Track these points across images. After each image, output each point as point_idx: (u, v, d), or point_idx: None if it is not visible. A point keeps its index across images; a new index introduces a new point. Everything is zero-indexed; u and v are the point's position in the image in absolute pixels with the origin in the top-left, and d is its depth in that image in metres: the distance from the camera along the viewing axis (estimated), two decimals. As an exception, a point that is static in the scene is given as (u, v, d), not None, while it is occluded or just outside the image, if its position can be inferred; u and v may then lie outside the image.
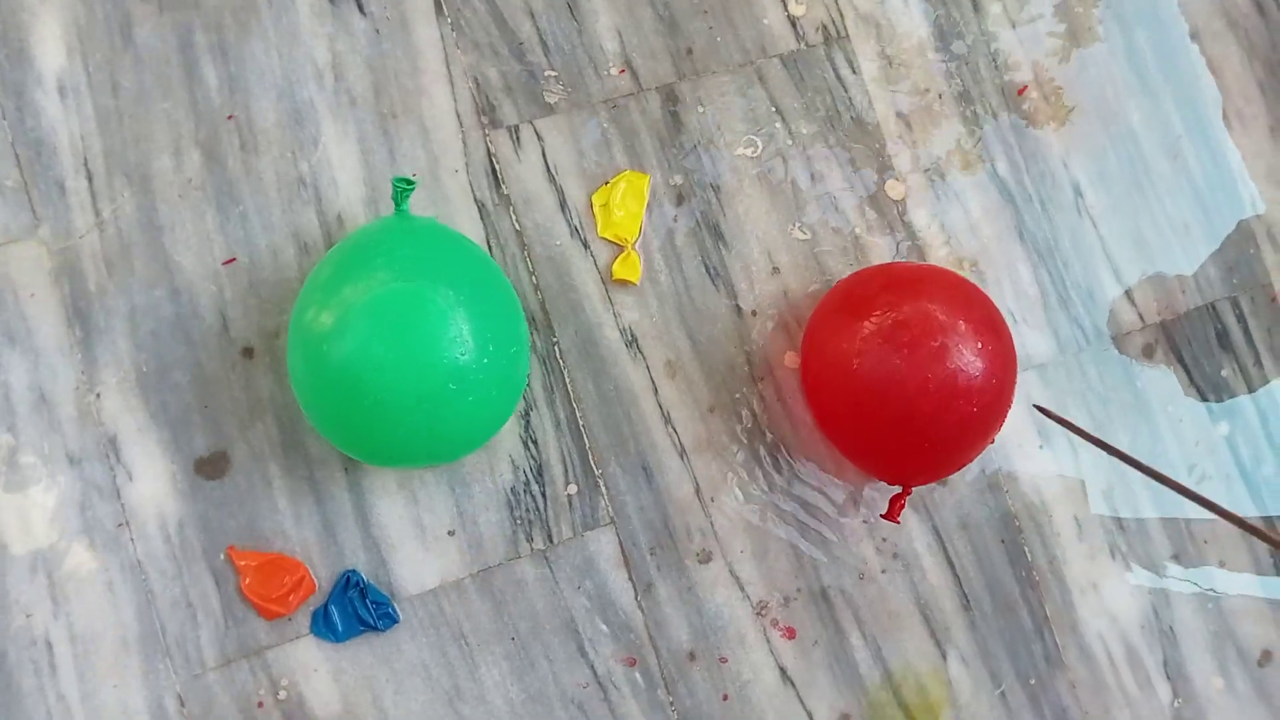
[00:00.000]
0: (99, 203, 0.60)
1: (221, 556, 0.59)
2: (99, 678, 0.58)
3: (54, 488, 0.58)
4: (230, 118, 0.62)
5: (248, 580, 0.59)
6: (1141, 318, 0.72)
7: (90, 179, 0.60)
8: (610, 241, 0.65)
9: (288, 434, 0.61)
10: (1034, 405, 0.66)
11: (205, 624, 0.59)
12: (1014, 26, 0.72)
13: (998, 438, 0.68)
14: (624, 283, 0.65)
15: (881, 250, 0.68)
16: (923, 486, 0.66)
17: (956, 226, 0.70)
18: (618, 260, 0.65)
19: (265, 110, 0.63)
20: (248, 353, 0.61)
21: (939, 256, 0.69)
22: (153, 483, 0.59)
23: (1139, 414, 0.71)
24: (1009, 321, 0.70)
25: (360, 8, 0.65)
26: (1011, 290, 0.70)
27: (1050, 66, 0.72)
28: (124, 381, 0.59)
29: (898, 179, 0.69)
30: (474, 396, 0.54)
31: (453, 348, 0.53)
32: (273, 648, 0.59)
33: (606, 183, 0.66)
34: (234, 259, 0.61)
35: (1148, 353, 0.72)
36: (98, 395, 0.59)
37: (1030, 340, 0.70)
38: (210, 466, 0.60)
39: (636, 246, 0.66)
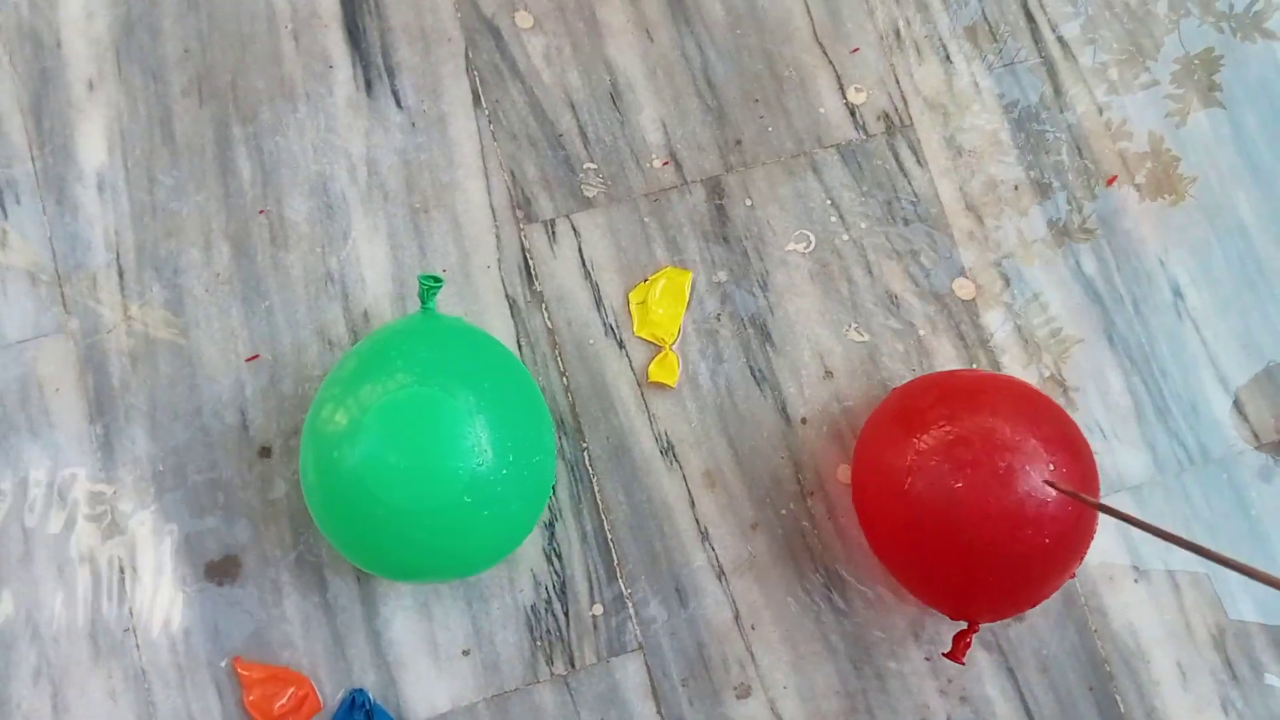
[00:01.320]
0: (128, 297, 0.60)
1: (225, 665, 0.56)
2: (94, 793, 0.55)
3: (63, 588, 0.56)
4: (262, 212, 0.61)
5: (251, 695, 0.56)
6: (1256, 434, 0.63)
7: (121, 274, 0.60)
8: (647, 341, 0.61)
9: (301, 539, 0.58)
10: (1045, 480, 0.56)
11: (206, 740, 0.56)
12: (1101, 113, 0.66)
13: (1081, 570, 0.60)
14: (660, 385, 0.60)
15: (949, 355, 0.62)
16: (993, 623, 0.59)
17: (1035, 330, 0.63)
18: (654, 361, 0.61)
19: (297, 204, 0.62)
20: (265, 452, 0.59)
21: (1014, 363, 0.62)
22: (162, 586, 0.57)
23: (1255, 544, 0.61)
24: (1096, 437, 0.62)
25: (397, 100, 0.64)
26: (1100, 401, 0.63)
27: (1144, 151, 0.66)
28: (140, 480, 0.58)
29: (967, 277, 0.63)
30: (490, 510, 0.50)
31: (470, 457, 0.49)
32: (273, 769, 0.56)
33: (645, 280, 0.62)
34: (257, 355, 0.60)
35: (1264, 475, 0.63)
36: (114, 493, 0.58)
37: (1123, 458, 0.62)
38: (221, 570, 0.57)
39: (675, 347, 0.61)
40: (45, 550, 0.56)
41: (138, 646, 0.56)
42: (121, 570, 0.56)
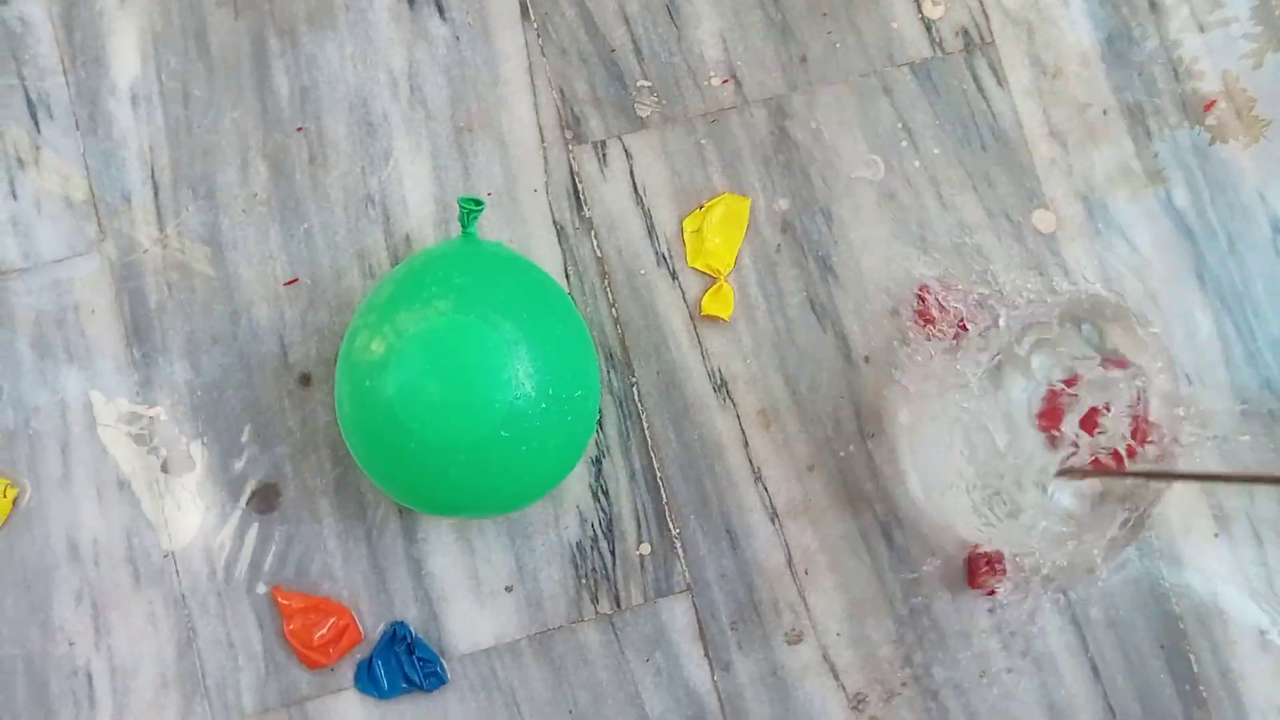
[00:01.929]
0: (164, 217, 0.58)
1: (264, 594, 0.55)
2: (136, 716, 0.55)
3: (103, 514, 0.55)
4: (300, 129, 0.59)
5: (291, 625, 0.55)
6: (1355, 382, 0.58)
7: (156, 191, 0.58)
8: (701, 272, 0.58)
9: (341, 469, 0.56)
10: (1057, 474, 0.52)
11: (246, 668, 0.55)
12: (1201, 30, 0.60)
13: (1156, 521, 0.57)
14: (714, 319, 0.57)
15: (1026, 293, 0.58)
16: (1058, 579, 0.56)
17: (1120, 265, 0.59)
18: (708, 293, 0.58)
19: (336, 122, 0.59)
20: (305, 380, 0.57)
21: (1097, 299, 0.58)
22: (201, 513, 0.56)
23: (1347, 500, 0.58)
24: (1180, 382, 0.58)
25: (441, 12, 0.60)
26: (1185, 343, 0.58)
27: (1244, 76, 0.60)
28: (178, 406, 0.56)
29: (1048, 208, 0.59)
30: (529, 446, 0.48)
31: (507, 390, 0.46)
32: (314, 699, 0.55)
33: (701, 207, 0.58)
34: (296, 280, 0.57)
35: (1362, 426, 0.58)
36: (152, 419, 0.56)
37: (1207, 404, 0.58)
38: (260, 499, 0.56)
39: (731, 279, 0.58)
40: (84, 473, 0.55)
41: (177, 573, 0.55)
42: (161, 495, 0.56)
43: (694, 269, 0.58)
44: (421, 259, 0.51)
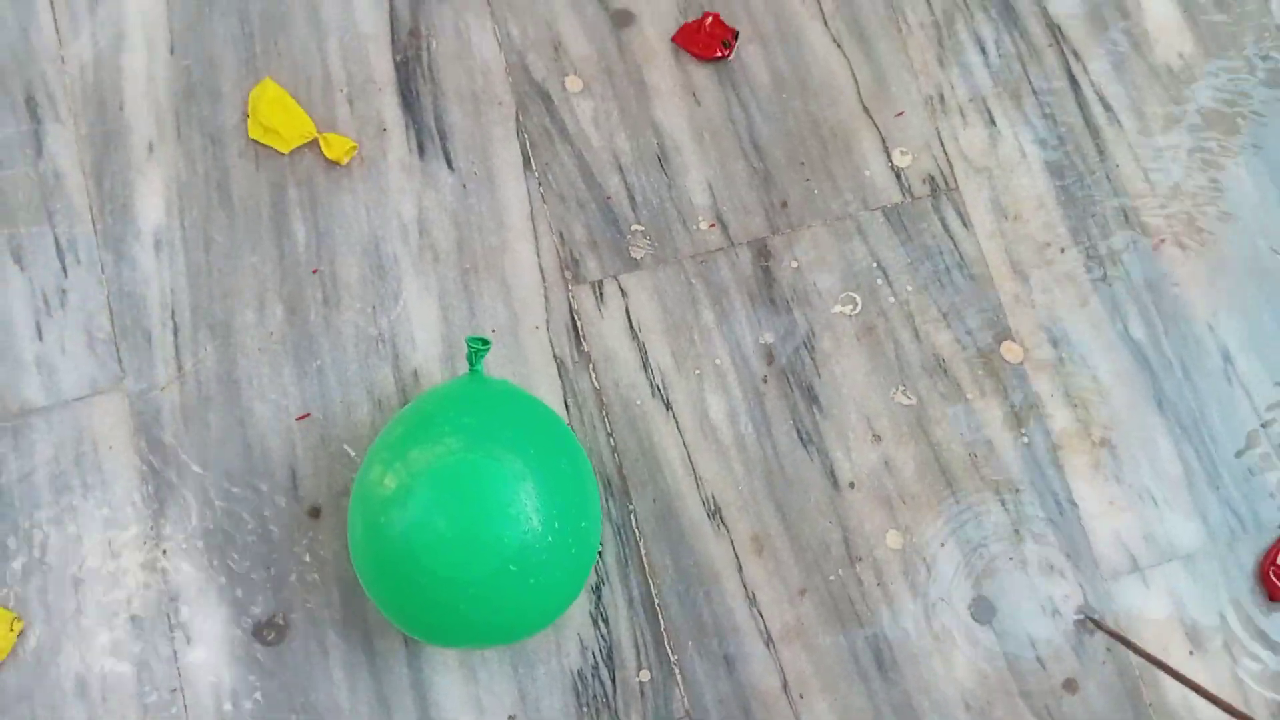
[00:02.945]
0: (182, 355, 0.60)
1: (271, 730, 0.56)
2: None
3: (113, 649, 0.56)
4: (315, 271, 0.62)
5: (296, 757, 0.55)
6: (1309, 502, 0.62)
7: (176, 332, 0.61)
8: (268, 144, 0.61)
9: (349, 600, 0.58)
10: (1084, 616, 0.58)
11: (250, 802, 0.56)
12: (1147, 176, 0.66)
13: (1135, 640, 0.59)
14: (336, 163, 0.60)
15: (997, 419, 0.62)
16: (1047, 699, 0.58)
17: (1084, 394, 0.63)
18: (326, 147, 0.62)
19: (349, 265, 0.62)
20: (314, 512, 0.59)
21: (1064, 426, 0.62)
22: (211, 647, 0.57)
23: (1310, 615, 0.61)
24: (1147, 504, 0.61)
25: (449, 163, 0.64)
26: (1149, 468, 0.62)
27: (1192, 214, 0.65)
28: (190, 539, 0.58)
29: (1015, 340, 0.63)
30: (536, 578, 0.50)
31: (515, 524, 0.49)
32: (317, 834, 0.55)
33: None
34: (308, 414, 0.60)
35: (1318, 543, 0.62)
36: (164, 552, 0.58)
37: (1174, 527, 0.61)
38: (269, 631, 0.57)
39: (713, 397, 0.61)
40: (95, 607, 0.56)
41: (185, 706, 0.56)
42: (170, 629, 0.57)
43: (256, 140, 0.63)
44: (431, 398, 0.54)
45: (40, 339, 0.60)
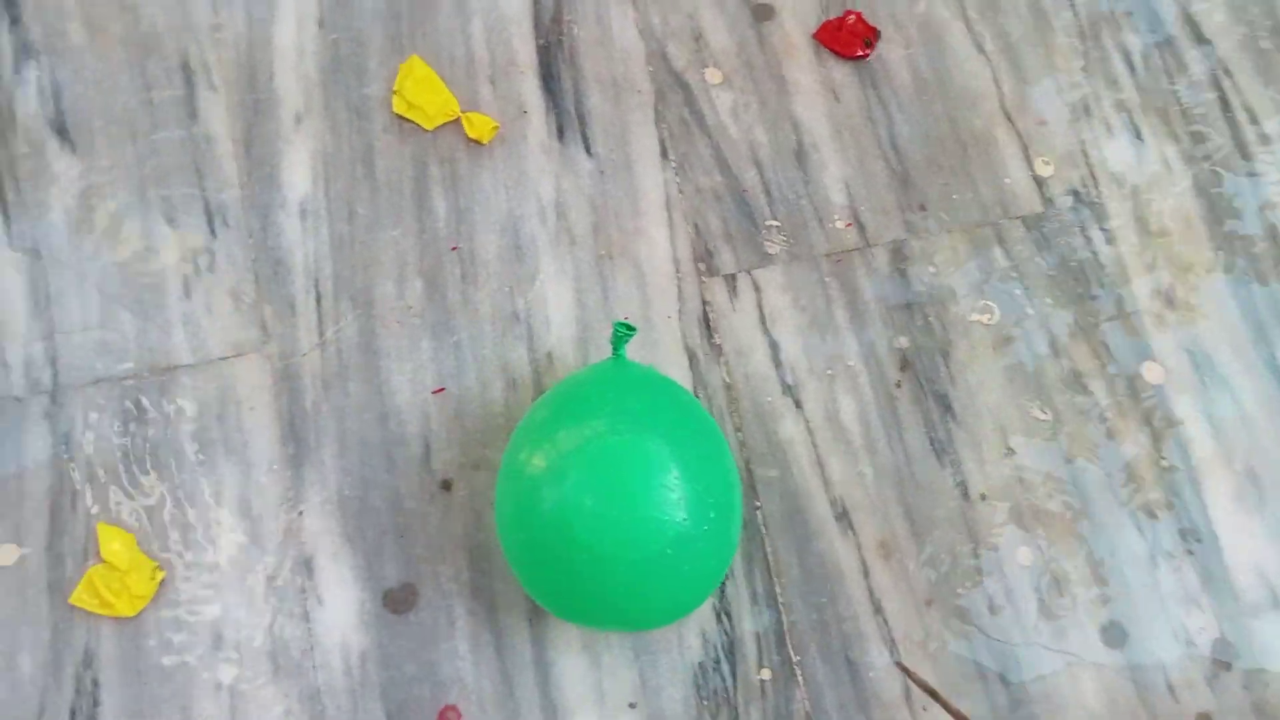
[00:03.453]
0: (324, 323, 0.61)
1: (398, 697, 0.57)
2: (260, 811, 0.56)
3: (247, 603, 0.57)
4: (454, 249, 0.63)
5: (416, 727, 0.56)
6: None
7: (319, 300, 0.62)
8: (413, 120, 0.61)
9: (477, 574, 0.58)
10: (896, 662, 0.56)
11: (369, 767, 0.56)
12: (1293, 196, 0.64)
13: None
14: (477, 141, 0.60)
15: (1135, 439, 0.61)
16: None
17: (1226, 421, 0.61)
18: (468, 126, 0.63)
19: (488, 243, 0.63)
20: (446, 485, 0.60)
21: (1205, 452, 0.60)
22: (342, 610, 0.57)
23: None
24: (1284, 532, 0.60)
25: (587, 148, 0.65)
26: (1287, 496, 0.61)
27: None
28: (326, 503, 0.59)
29: (1156, 361, 0.62)
30: (689, 566, 0.50)
31: (676, 510, 0.49)
32: (432, 803, 0.56)
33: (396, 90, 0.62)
34: (443, 389, 0.61)
35: None
36: (300, 514, 0.59)
37: (1309, 556, 0.60)
38: (398, 599, 0.58)
39: (832, 381, 0.61)
40: (232, 563, 0.58)
41: (314, 667, 0.57)
42: (303, 590, 0.58)
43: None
44: (581, 380, 0.55)
45: (188, 298, 0.61)
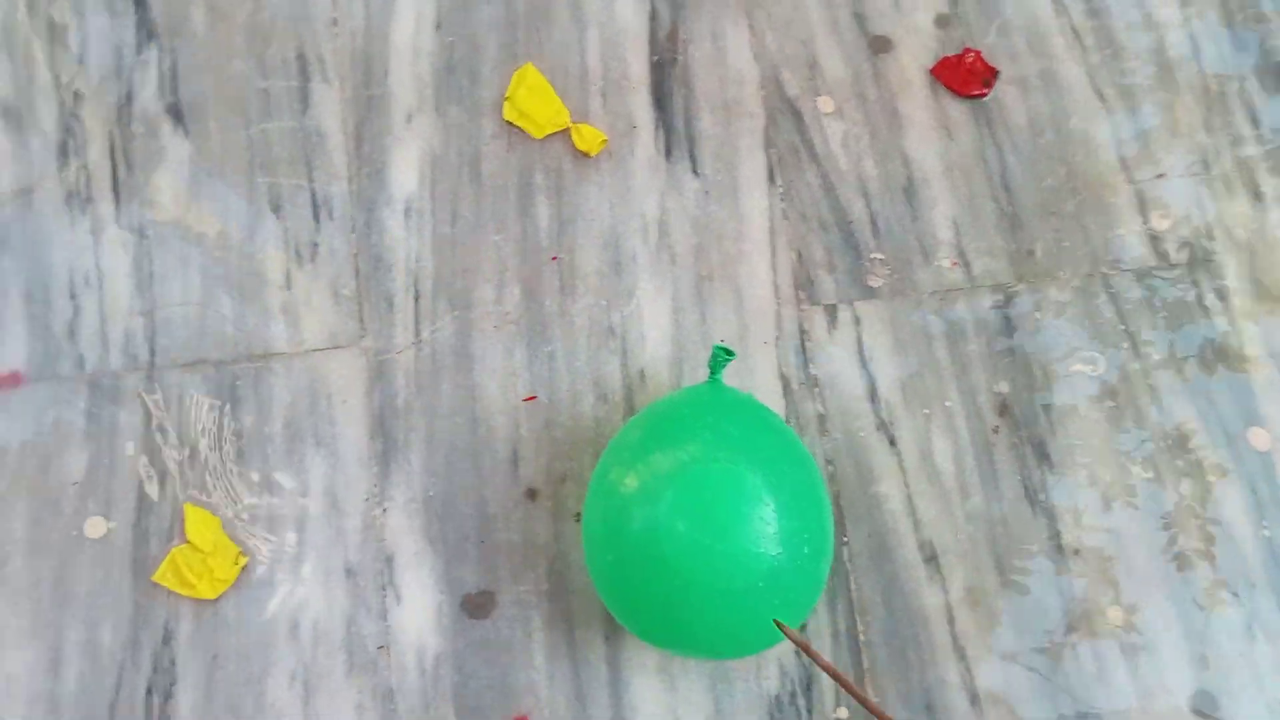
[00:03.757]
0: (420, 322, 0.61)
1: (469, 703, 0.56)
2: (321, 808, 0.55)
3: (326, 595, 0.57)
4: (554, 259, 0.63)
5: (484, 737, 0.56)
6: None
7: (417, 299, 0.62)
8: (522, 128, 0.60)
9: (556, 587, 0.58)
10: (774, 620, 0.51)
11: (434, 774, 0.56)
12: None
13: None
14: (585, 154, 0.59)
15: (1237, 505, 0.59)
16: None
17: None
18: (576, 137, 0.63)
19: (588, 256, 0.63)
20: (531, 494, 0.59)
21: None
22: (419, 610, 0.57)
23: None
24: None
25: (694, 168, 0.64)
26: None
27: None
28: (411, 502, 0.59)
29: (1264, 428, 0.60)
30: (779, 600, 0.49)
31: (771, 544, 0.48)
32: (494, 816, 0.55)
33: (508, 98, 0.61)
34: (534, 397, 0.60)
35: None
36: (384, 511, 0.59)
37: None
38: (476, 605, 0.58)
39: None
40: (314, 555, 0.58)
41: (389, 666, 0.56)
42: (383, 588, 0.57)
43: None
44: (675, 402, 0.54)
45: (289, 288, 0.62)
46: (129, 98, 0.64)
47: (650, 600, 0.49)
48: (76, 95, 0.64)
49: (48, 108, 0.64)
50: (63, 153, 0.63)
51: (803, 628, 0.57)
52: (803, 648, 0.49)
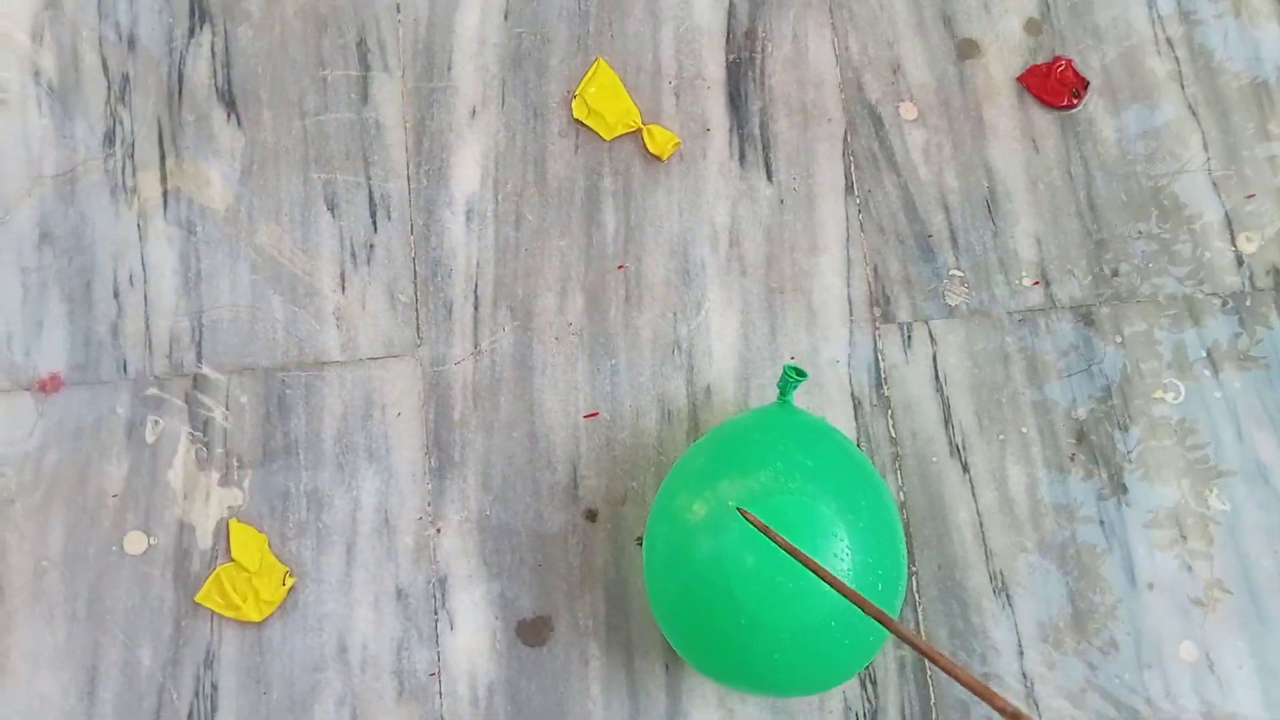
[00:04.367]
0: (480, 332, 0.59)
1: (520, 731, 0.54)
2: (371, 832, 0.54)
3: (377, 620, 0.55)
4: (620, 267, 0.60)
5: (540, 764, 0.54)
6: None
7: (476, 306, 0.59)
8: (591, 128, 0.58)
9: (614, 613, 0.56)
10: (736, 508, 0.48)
11: (486, 800, 0.54)
12: None
13: None
14: (656, 157, 0.57)
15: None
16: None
17: None
18: (648, 138, 0.58)
19: (656, 265, 0.60)
20: (591, 515, 0.57)
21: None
22: (472, 635, 0.55)
23: None
24: None
25: (769, 174, 0.61)
26: None
27: None
28: (465, 522, 0.56)
29: (1354, 464, 0.58)
30: (850, 640, 0.47)
31: (846, 578, 0.46)
32: (548, 844, 0.54)
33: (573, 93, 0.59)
34: (596, 413, 0.58)
35: None
36: (438, 530, 0.56)
37: None
38: (531, 631, 0.56)
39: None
40: (364, 575, 0.55)
41: (440, 694, 0.54)
42: (435, 612, 0.55)
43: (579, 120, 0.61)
44: (744, 424, 0.52)
45: (343, 291, 0.59)
46: (180, 82, 0.61)
47: (712, 634, 0.47)
48: (125, 79, 0.61)
49: (95, 91, 0.60)
50: (109, 140, 0.60)
51: (870, 666, 0.55)
52: (767, 533, 0.45)
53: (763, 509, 0.47)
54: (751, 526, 0.46)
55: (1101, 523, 0.57)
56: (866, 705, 0.55)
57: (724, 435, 0.52)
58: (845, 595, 0.38)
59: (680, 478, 0.51)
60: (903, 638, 0.34)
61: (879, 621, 0.35)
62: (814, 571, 0.40)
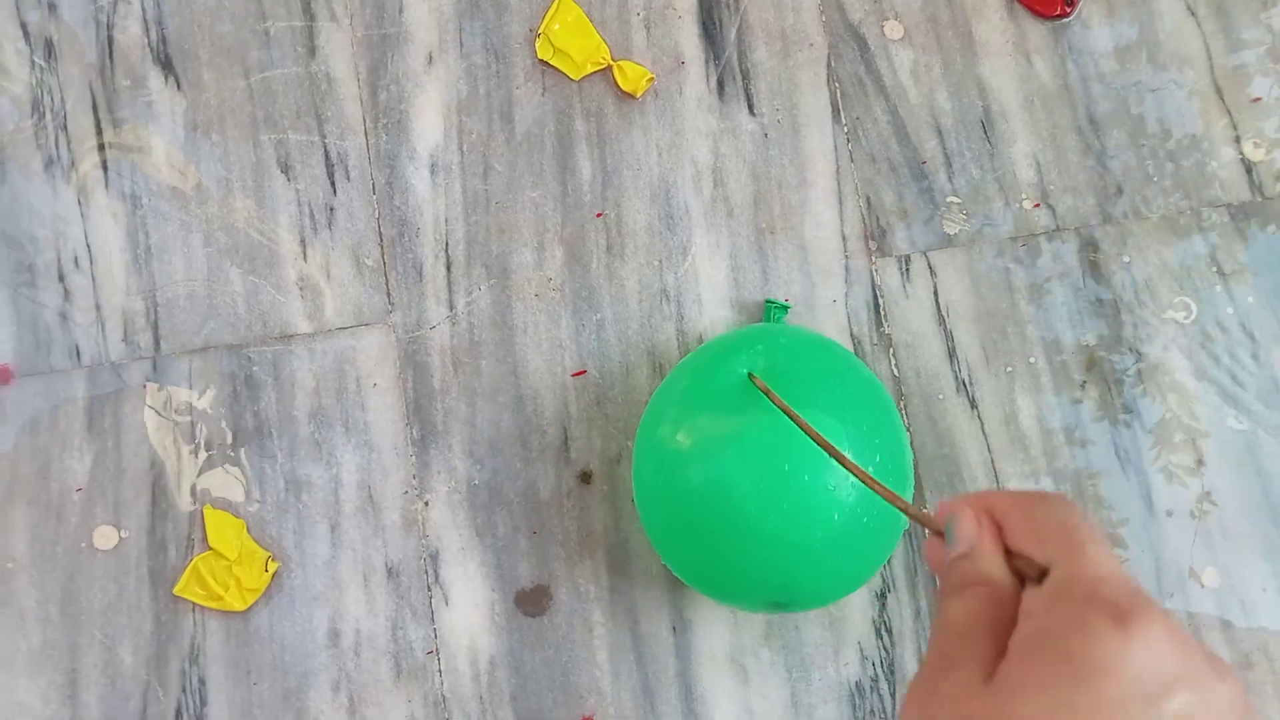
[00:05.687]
0: (455, 293, 0.55)
1: (529, 706, 0.52)
2: (379, 819, 0.52)
3: (367, 599, 0.53)
4: (599, 215, 0.57)
5: (549, 738, 0.52)
6: None
7: (449, 266, 0.56)
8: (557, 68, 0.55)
9: (616, 577, 0.53)
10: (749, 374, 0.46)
11: (497, 778, 0.52)
12: None
13: None
14: (629, 95, 0.55)
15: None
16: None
17: None
18: (619, 75, 0.56)
19: (637, 211, 0.57)
20: (585, 477, 0.54)
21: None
22: (469, 610, 0.53)
23: None
24: None
25: (750, 106, 0.58)
26: None
27: None
28: (454, 493, 0.54)
29: (1375, 374, 0.56)
30: (857, 545, 0.45)
31: (846, 490, 0.44)
32: (563, 818, 0.52)
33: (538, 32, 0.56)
34: (584, 371, 0.55)
35: None
36: (425, 504, 0.54)
37: None
38: (531, 601, 0.53)
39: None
40: (352, 555, 0.53)
41: (440, 671, 0.52)
42: (428, 588, 0.53)
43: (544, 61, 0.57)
44: (724, 342, 0.49)
45: (305, 259, 0.55)
46: (109, 44, 0.57)
47: (714, 554, 0.45)
48: (49, 44, 0.56)
49: (16, 60, 0.56)
50: (37, 111, 0.56)
51: (882, 605, 0.53)
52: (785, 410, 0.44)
53: (756, 427, 0.44)
54: (763, 445, 0.44)
55: (1116, 451, 0.55)
56: (882, 655, 0.53)
57: (703, 355, 0.50)
58: (851, 470, 0.38)
59: (667, 404, 0.48)
60: (913, 517, 0.33)
61: (886, 499, 0.34)
62: (819, 443, 0.40)
